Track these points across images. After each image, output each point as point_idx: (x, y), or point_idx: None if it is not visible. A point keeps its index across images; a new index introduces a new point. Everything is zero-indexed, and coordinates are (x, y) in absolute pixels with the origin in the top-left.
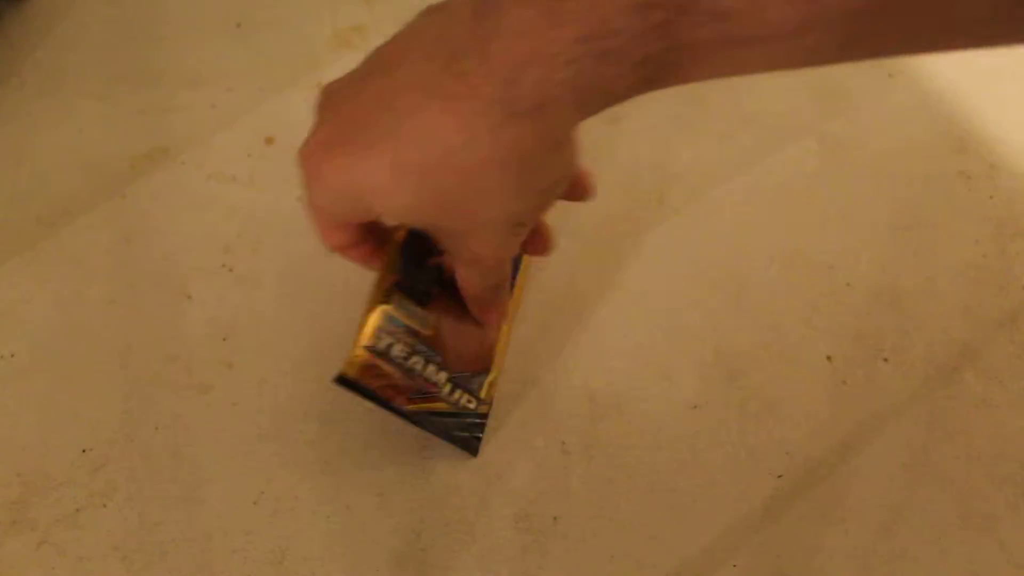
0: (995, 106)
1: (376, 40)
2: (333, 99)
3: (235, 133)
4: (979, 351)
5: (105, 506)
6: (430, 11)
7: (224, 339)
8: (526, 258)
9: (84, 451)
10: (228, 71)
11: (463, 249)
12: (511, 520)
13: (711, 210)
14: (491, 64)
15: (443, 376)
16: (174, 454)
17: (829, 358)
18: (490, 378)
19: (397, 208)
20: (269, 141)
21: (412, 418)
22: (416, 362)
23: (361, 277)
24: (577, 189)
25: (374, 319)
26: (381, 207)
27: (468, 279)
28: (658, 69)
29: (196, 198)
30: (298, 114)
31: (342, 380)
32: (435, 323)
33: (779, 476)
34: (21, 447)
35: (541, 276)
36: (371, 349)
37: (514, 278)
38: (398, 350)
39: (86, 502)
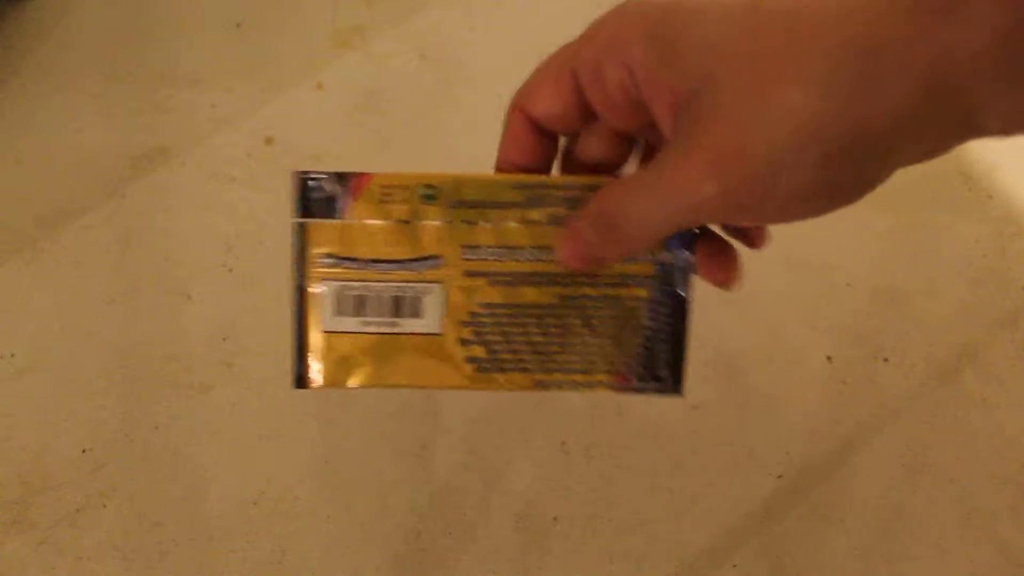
0: None
1: (376, 40)
2: None
3: (235, 133)
4: (979, 351)
5: (105, 506)
6: None
7: (224, 339)
8: None
9: (84, 451)
10: (228, 71)
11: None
12: (511, 520)
13: None
14: None
15: None
16: (174, 454)
17: (829, 358)
18: None
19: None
20: (269, 141)
21: None
22: None
23: None
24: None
25: None
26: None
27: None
28: None
29: (196, 198)
30: (298, 114)
31: None
32: None
33: (779, 476)
34: (21, 447)
35: None
36: None
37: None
38: None
39: (86, 502)
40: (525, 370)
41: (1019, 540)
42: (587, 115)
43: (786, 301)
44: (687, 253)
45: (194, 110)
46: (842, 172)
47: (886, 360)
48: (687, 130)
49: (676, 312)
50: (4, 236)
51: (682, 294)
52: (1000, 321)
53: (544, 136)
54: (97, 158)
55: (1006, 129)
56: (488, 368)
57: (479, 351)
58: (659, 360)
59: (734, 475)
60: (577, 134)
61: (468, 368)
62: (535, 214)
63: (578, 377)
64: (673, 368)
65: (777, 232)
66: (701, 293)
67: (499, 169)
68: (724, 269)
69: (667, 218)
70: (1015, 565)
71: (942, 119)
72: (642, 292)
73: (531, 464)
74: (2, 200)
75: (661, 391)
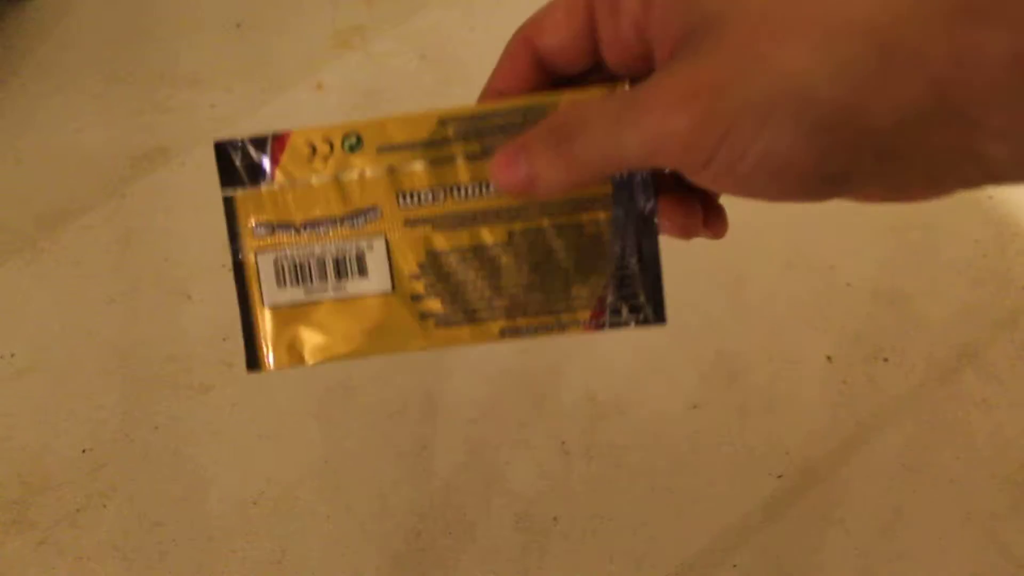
0: None
1: (376, 40)
2: None
3: (235, 133)
4: (979, 351)
5: (105, 506)
6: None
7: (224, 339)
8: None
9: (84, 451)
10: (228, 71)
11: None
12: (511, 520)
13: None
14: None
15: None
16: (174, 454)
17: (829, 358)
18: None
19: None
20: None
21: None
22: None
23: None
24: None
25: None
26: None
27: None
28: None
29: (196, 198)
30: (298, 114)
31: None
32: None
33: (779, 476)
34: (21, 447)
35: None
36: None
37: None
38: None
39: (86, 502)
40: (487, 320)
41: (1019, 540)
42: (591, 54)
43: (786, 301)
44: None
45: (194, 110)
46: (829, 156)
47: (886, 360)
48: (678, 62)
49: (643, 231)
50: (4, 236)
51: (646, 210)
52: (1000, 321)
53: (541, 71)
54: (97, 158)
55: (1015, 166)
56: (447, 322)
57: (434, 305)
58: (634, 288)
59: (734, 475)
60: (574, 78)
61: (425, 325)
62: (471, 147)
63: (547, 319)
64: (651, 295)
65: (777, 232)
66: (701, 293)
67: (483, 98)
68: (685, 214)
69: (629, 143)
70: (1015, 565)
71: (948, 131)
72: (602, 214)
73: (531, 464)
74: (2, 200)
75: (642, 323)
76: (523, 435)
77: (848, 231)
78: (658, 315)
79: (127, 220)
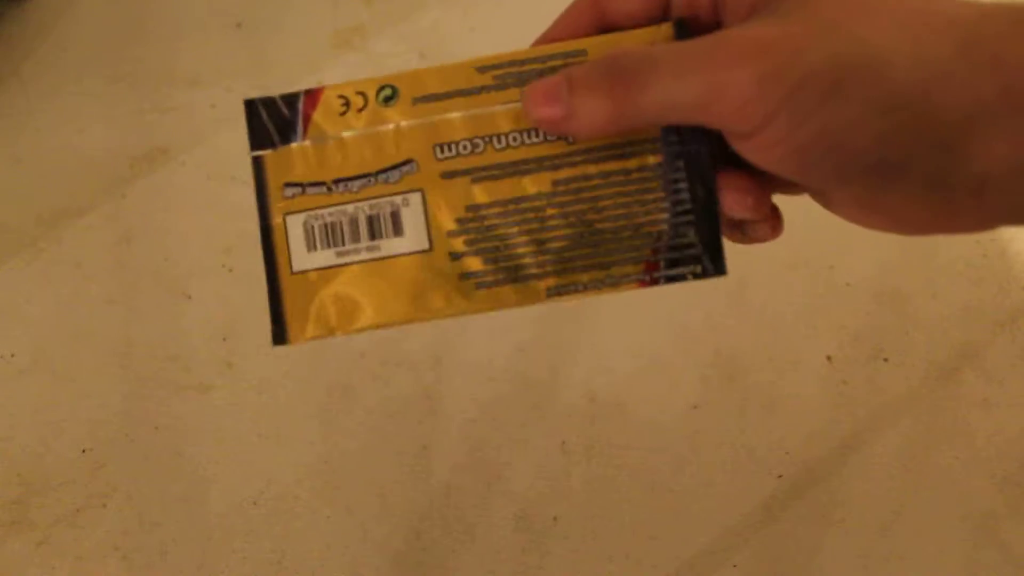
0: None
1: (376, 40)
2: None
3: (235, 133)
4: (979, 351)
5: (105, 506)
6: None
7: (224, 339)
8: None
9: (84, 451)
10: (228, 71)
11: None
12: (511, 520)
13: None
14: None
15: None
16: (174, 454)
17: (829, 358)
18: None
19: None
20: None
21: None
22: None
23: None
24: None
25: None
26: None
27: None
28: None
29: (196, 198)
30: None
31: None
32: None
33: (779, 476)
34: (21, 447)
35: None
36: None
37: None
38: None
39: (86, 502)
40: (533, 277)
41: (1019, 540)
42: (659, 22)
43: (786, 301)
44: None
45: (194, 110)
46: (888, 139)
47: (886, 360)
48: (752, 20)
49: (697, 174)
50: (4, 236)
51: (699, 153)
52: (1000, 321)
53: (601, 33)
54: (97, 158)
55: None
56: (488, 283)
57: (475, 263)
58: (689, 237)
59: (734, 475)
60: None
61: (465, 286)
62: (511, 94)
63: (598, 275)
64: (708, 244)
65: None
66: (701, 293)
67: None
68: (757, 191)
69: (684, 91)
70: (1015, 565)
71: (1009, 138)
72: (652, 159)
73: (531, 464)
74: (2, 200)
75: (700, 274)
76: (523, 435)
77: (848, 231)
78: (717, 266)
79: (127, 220)
